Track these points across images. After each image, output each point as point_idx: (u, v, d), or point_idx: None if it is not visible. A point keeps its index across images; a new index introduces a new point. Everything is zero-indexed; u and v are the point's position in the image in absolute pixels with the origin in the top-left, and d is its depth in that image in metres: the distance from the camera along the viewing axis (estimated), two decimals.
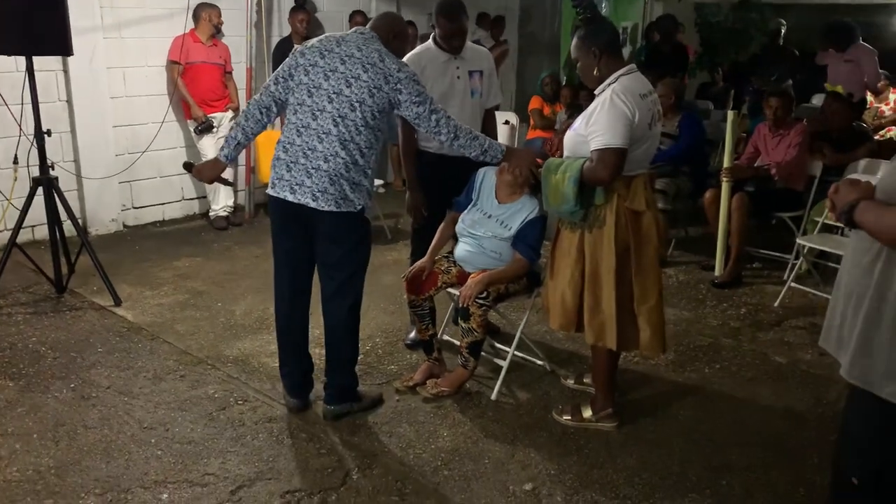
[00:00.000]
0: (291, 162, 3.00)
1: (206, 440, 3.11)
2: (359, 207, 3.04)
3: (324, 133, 2.94)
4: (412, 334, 3.96)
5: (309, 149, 2.96)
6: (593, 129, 2.87)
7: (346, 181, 2.97)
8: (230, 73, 6.23)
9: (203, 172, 3.28)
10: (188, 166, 3.40)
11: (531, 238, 3.37)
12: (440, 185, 3.69)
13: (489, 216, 3.45)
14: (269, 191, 3.08)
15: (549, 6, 10.04)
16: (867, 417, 1.98)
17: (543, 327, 4.15)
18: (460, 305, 3.30)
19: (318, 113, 2.95)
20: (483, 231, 3.43)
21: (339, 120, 2.94)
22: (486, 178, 3.52)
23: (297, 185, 2.98)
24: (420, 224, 3.83)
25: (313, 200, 2.97)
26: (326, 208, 2.97)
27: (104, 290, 4.52)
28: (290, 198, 3.00)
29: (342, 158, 2.95)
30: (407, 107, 3.00)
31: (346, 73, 2.94)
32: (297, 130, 2.98)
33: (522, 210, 3.40)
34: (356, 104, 2.93)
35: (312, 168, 2.96)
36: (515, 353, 3.61)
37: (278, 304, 3.26)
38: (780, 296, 4.70)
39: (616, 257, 2.96)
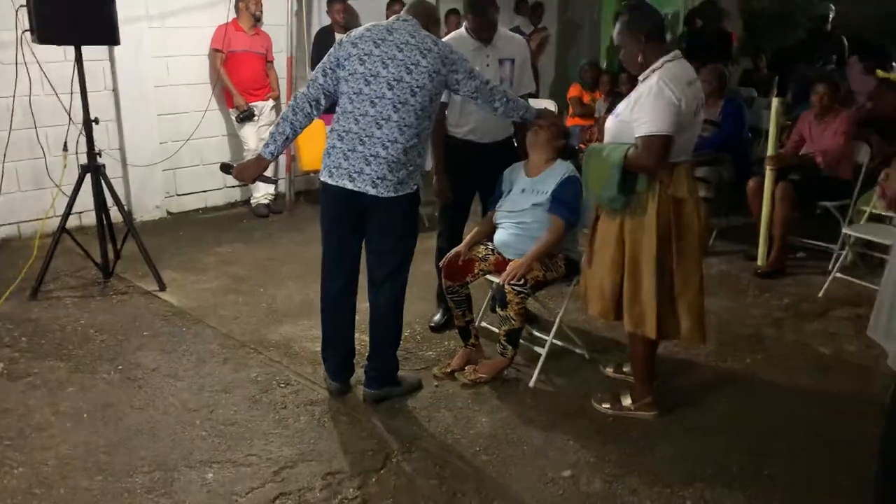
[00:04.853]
0: (349, 150, 3.02)
1: (249, 422, 3.17)
2: (415, 187, 3.10)
3: (383, 119, 2.97)
4: (436, 317, 4.08)
5: (367, 136, 2.99)
6: (639, 115, 2.85)
7: (403, 166, 3.02)
8: (272, 62, 6.30)
9: (245, 172, 3.27)
10: (226, 168, 3.30)
11: (567, 196, 3.38)
12: (466, 170, 3.79)
13: (523, 190, 3.50)
14: (327, 179, 3.09)
15: None
16: None
17: (582, 315, 4.14)
18: (504, 283, 3.30)
19: (377, 100, 2.98)
20: (521, 206, 3.45)
21: (399, 106, 2.97)
22: (514, 170, 3.62)
23: (355, 172, 3.01)
24: (446, 207, 3.91)
25: (373, 188, 3.00)
26: (386, 195, 3.02)
27: (149, 275, 4.62)
28: (349, 186, 3.03)
29: (400, 144, 2.98)
30: (465, 83, 3.09)
31: (405, 60, 2.97)
32: (355, 119, 3.00)
33: (555, 172, 3.46)
34: (417, 90, 2.97)
35: (371, 155, 2.99)
36: (554, 340, 3.60)
37: (326, 290, 3.28)
38: (824, 286, 4.62)
39: (657, 245, 2.93)
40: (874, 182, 1.98)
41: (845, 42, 7.90)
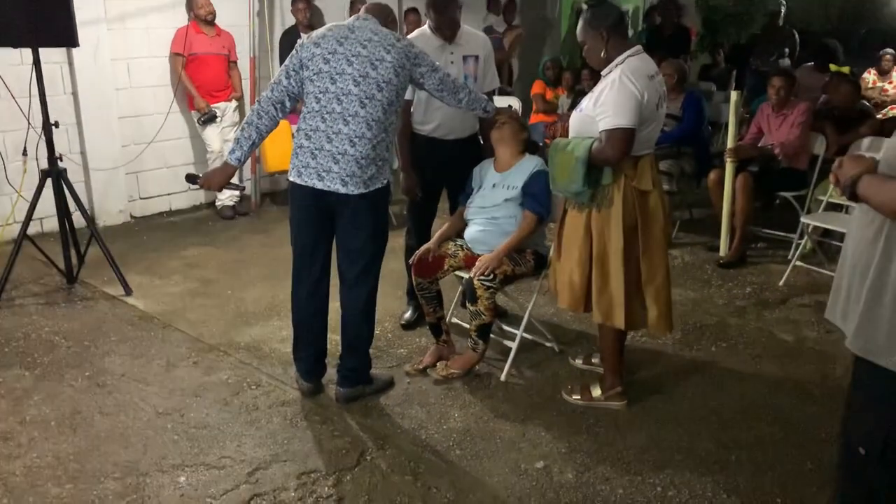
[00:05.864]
0: (316, 149, 3.02)
1: (221, 425, 3.15)
2: (385, 182, 3.12)
3: (350, 115, 2.98)
4: (407, 314, 4.11)
5: (334, 133, 2.99)
6: (602, 109, 2.89)
7: (372, 161, 3.03)
8: (235, 62, 6.25)
9: (212, 180, 3.24)
10: (192, 178, 3.27)
11: (537, 189, 3.41)
12: (433, 167, 3.81)
13: (494, 185, 3.53)
14: (295, 179, 3.09)
15: None
16: (871, 387, 2.00)
17: (551, 309, 4.19)
18: (474, 277, 3.32)
19: (343, 97, 2.98)
20: (493, 201, 3.49)
21: (366, 101, 2.98)
22: (483, 167, 3.65)
23: (324, 171, 3.01)
24: (414, 204, 3.94)
25: (343, 186, 3.01)
26: (356, 192, 3.02)
27: (114, 280, 4.57)
28: (318, 185, 3.03)
29: (368, 139, 2.99)
30: (429, 76, 3.14)
31: (369, 56, 2.99)
32: (322, 117, 3.00)
33: (524, 167, 3.49)
34: (383, 84, 2.99)
35: (339, 153, 2.99)
36: (524, 334, 3.64)
37: (297, 291, 3.27)
38: (784, 275, 4.73)
39: (624, 237, 2.98)
40: (830, 172, 2.03)
41: (797, 36, 8.08)
